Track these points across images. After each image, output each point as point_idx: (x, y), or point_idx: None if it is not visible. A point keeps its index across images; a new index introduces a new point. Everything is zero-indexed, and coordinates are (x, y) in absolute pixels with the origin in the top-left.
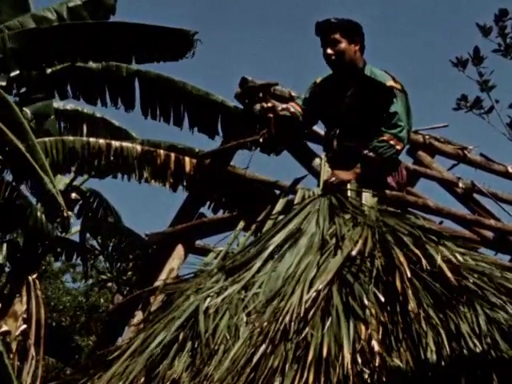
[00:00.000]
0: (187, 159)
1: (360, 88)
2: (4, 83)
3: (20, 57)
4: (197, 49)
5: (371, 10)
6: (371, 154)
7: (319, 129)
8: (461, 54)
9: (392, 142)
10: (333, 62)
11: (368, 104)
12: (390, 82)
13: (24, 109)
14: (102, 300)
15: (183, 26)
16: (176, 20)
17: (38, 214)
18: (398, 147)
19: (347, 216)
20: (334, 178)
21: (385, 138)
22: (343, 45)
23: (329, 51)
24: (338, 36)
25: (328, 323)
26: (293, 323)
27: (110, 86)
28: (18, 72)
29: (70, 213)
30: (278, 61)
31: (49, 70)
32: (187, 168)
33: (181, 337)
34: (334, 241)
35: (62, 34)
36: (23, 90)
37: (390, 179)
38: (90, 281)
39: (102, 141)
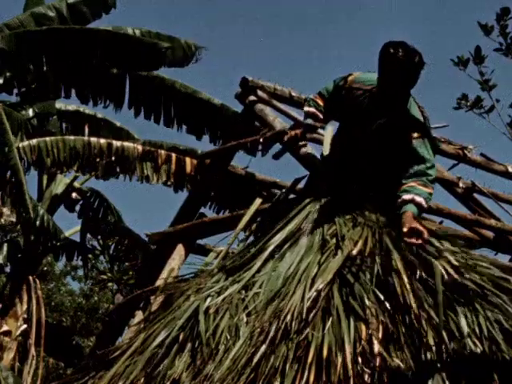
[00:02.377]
0: (188, 160)
1: (396, 120)
2: (1, 81)
3: (10, 59)
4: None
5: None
6: (424, 203)
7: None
8: (462, 53)
9: (431, 191)
10: (392, 93)
11: (397, 138)
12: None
13: (25, 108)
14: (103, 299)
15: (183, 26)
16: (177, 19)
17: (44, 214)
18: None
19: (347, 216)
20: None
21: (431, 191)
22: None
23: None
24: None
25: (329, 323)
26: (293, 323)
27: (100, 84)
28: (9, 74)
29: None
30: (277, 60)
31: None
32: (188, 169)
33: (181, 337)
34: (334, 241)
35: (49, 37)
36: (23, 89)
37: None
38: (92, 281)
39: (103, 141)
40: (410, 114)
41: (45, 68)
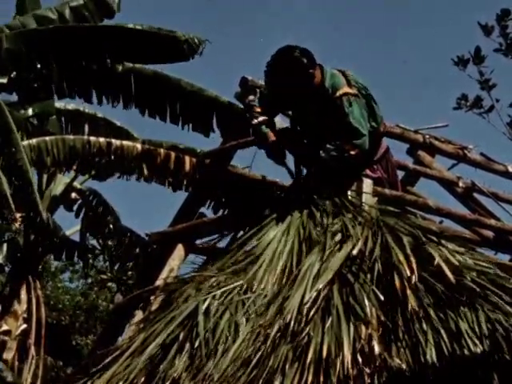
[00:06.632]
0: (187, 159)
1: (319, 102)
2: (5, 81)
3: (16, 58)
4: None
5: (372, 11)
6: (324, 155)
7: None
8: (462, 52)
9: (346, 147)
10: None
11: (328, 116)
12: (343, 89)
13: (25, 108)
14: (100, 300)
15: (184, 24)
16: (177, 18)
17: (43, 213)
18: (352, 152)
19: (348, 215)
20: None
21: (338, 142)
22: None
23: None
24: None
25: (328, 323)
26: (293, 323)
27: (105, 84)
28: (15, 73)
29: (18, 215)
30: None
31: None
32: (187, 168)
33: (181, 336)
34: (334, 240)
35: (57, 36)
36: (23, 89)
37: (371, 172)
38: (89, 280)
39: (102, 140)
40: (323, 91)
41: (50, 67)
